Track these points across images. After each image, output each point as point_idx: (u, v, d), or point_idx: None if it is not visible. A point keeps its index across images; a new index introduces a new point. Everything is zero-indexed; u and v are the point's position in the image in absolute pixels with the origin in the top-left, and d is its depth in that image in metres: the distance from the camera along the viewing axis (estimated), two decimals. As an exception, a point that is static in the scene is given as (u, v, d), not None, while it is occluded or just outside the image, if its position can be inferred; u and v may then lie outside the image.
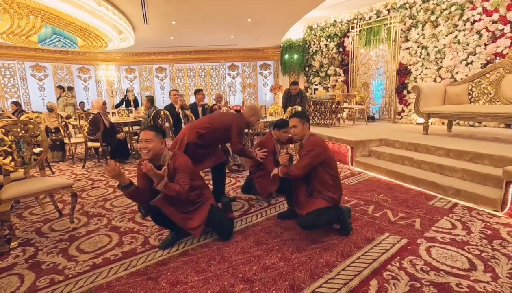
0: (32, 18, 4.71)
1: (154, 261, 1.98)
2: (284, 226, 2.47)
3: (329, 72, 8.71)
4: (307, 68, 9.61)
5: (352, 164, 4.50)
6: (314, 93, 8.14)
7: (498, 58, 5.30)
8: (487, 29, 5.42)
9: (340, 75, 8.44)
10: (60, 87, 8.57)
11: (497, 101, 4.31)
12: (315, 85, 9.12)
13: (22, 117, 4.75)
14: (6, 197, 2.13)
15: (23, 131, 2.55)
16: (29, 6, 3.93)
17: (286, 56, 9.60)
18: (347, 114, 7.49)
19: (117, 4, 5.21)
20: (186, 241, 2.24)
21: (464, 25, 5.71)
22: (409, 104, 6.80)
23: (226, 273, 1.81)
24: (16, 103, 6.79)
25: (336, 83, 8.46)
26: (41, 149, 2.72)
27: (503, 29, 5.21)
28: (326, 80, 8.88)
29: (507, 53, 4.98)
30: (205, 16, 6.41)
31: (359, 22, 7.61)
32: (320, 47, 8.89)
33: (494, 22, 5.31)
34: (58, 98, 8.69)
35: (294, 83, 5.92)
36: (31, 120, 4.67)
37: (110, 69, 10.71)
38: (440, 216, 2.57)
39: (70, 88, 9.01)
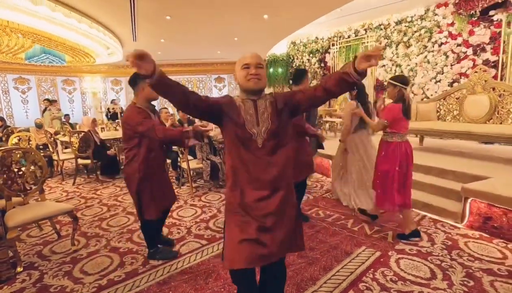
0: (22, 38, 4.78)
1: (155, 281, 2.18)
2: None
3: (311, 85, 9.13)
4: (291, 81, 9.99)
5: (334, 178, 4.83)
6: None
7: (462, 77, 5.85)
8: (452, 51, 5.97)
9: (322, 88, 8.87)
10: (47, 100, 8.50)
11: (461, 119, 4.79)
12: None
13: (12, 137, 4.80)
14: (13, 225, 2.27)
15: (23, 158, 2.70)
16: (22, 31, 4.03)
17: (271, 70, 9.98)
18: (329, 126, 7.89)
19: (107, 24, 5.36)
20: (184, 260, 2.45)
21: (433, 46, 6.26)
22: (386, 117, 7.28)
23: (223, 290, 2.04)
24: (1, 119, 6.73)
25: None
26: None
27: (466, 51, 5.78)
28: (309, 93, 9.29)
29: (470, 74, 5.52)
30: (193, 36, 6.66)
31: (339, 40, 8.09)
32: (303, 61, 9.31)
33: (459, 45, 5.88)
34: (43, 111, 8.60)
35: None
36: (29, 141, 4.74)
37: (96, 81, 10.71)
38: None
39: (54, 101, 8.93)
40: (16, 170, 2.67)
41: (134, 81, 2.21)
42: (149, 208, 2.27)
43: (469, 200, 2.88)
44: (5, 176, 2.56)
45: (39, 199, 2.87)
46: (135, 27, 5.44)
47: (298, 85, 2.89)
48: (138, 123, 2.11)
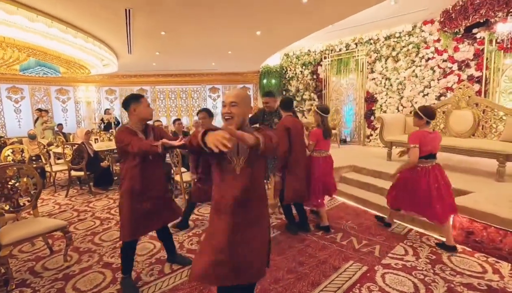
0: (17, 52, 4.83)
1: (148, 297, 2.22)
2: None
3: (304, 97, 9.31)
4: (284, 92, 10.17)
5: (325, 190, 4.93)
6: (291, 117, 8.64)
7: (449, 91, 6.07)
8: (439, 66, 6.19)
9: (314, 100, 9.05)
10: (38, 110, 8.47)
11: (447, 133, 4.96)
12: (292, 108, 9.67)
13: (5, 150, 4.80)
14: (6, 242, 2.30)
15: (17, 174, 2.73)
16: (19, 46, 4.09)
17: (265, 81, 10.14)
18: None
19: (103, 39, 5.45)
20: (175, 276, 2.49)
21: (420, 61, 6.48)
22: (376, 129, 7.44)
23: (213, 306, 2.10)
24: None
25: (311, 107, 9.04)
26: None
27: (452, 67, 6.00)
28: (302, 104, 9.45)
29: (455, 89, 5.72)
30: (188, 49, 6.79)
31: (331, 53, 8.30)
32: (296, 73, 9.50)
33: (444, 60, 6.10)
34: (35, 121, 8.56)
35: (269, 94, 3.78)
36: (22, 153, 4.75)
37: (90, 91, 10.71)
38: (396, 243, 3.00)
39: (44, 111, 8.88)
40: (9, 186, 2.70)
41: (126, 104, 2.26)
42: (123, 227, 2.24)
43: (452, 215, 2.99)
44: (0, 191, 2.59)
45: (32, 213, 2.90)
46: (130, 42, 5.54)
47: (286, 111, 3.28)
48: (121, 142, 2.17)
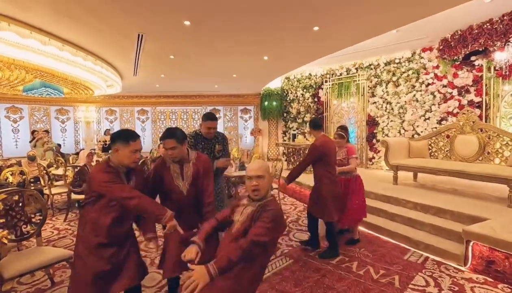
0: (24, 73, 4.81)
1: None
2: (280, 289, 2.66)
3: (305, 119, 9.39)
4: (285, 114, 10.28)
5: (333, 214, 4.85)
6: (293, 139, 8.65)
7: (450, 116, 6.18)
8: (439, 91, 6.34)
9: (316, 122, 9.12)
10: (35, 131, 8.36)
11: (452, 157, 4.98)
12: (293, 130, 9.73)
13: (4, 172, 4.65)
14: (9, 276, 2.15)
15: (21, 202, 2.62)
16: (27, 67, 4.08)
17: (266, 103, 10.25)
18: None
19: (110, 61, 5.51)
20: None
21: (421, 86, 6.64)
22: (379, 152, 7.48)
23: None
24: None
25: (312, 129, 9.09)
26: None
27: (452, 92, 6.15)
28: (303, 126, 9.52)
29: (458, 113, 5.82)
30: (193, 72, 6.90)
31: (332, 77, 8.49)
32: (297, 96, 9.65)
33: (444, 86, 6.26)
34: (30, 141, 8.37)
35: (210, 117, 2.94)
36: (22, 175, 4.61)
37: (90, 111, 10.70)
38: (415, 272, 2.90)
39: (46, 132, 8.80)
40: (13, 213, 2.58)
41: (112, 140, 1.87)
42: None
43: (471, 243, 2.93)
44: (4, 220, 2.46)
45: (35, 241, 2.75)
46: (137, 64, 5.59)
47: (315, 130, 3.48)
48: (102, 185, 1.78)
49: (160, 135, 11.01)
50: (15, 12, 3.43)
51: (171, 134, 2.05)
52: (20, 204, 2.63)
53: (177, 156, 2.09)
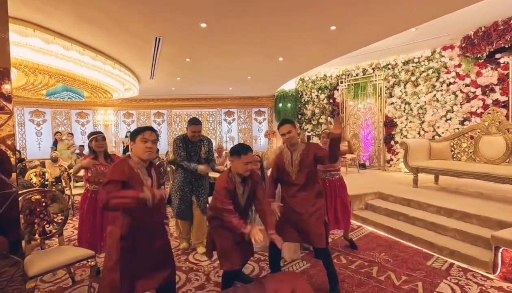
0: (47, 77, 4.99)
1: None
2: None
3: (320, 120, 9.28)
4: (300, 116, 10.19)
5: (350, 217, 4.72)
6: (308, 141, 8.57)
7: (473, 116, 5.92)
8: (461, 91, 6.10)
9: (331, 124, 8.99)
10: (59, 133, 8.68)
11: (477, 159, 4.76)
12: (308, 132, 9.63)
13: (28, 173, 4.84)
14: (32, 274, 2.21)
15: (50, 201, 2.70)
16: (51, 72, 4.24)
17: (280, 105, 10.21)
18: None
19: (128, 65, 5.64)
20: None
21: (441, 86, 6.41)
22: (397, 153, 7.27)
23: None
24: (17, 151, 6.84)
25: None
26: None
27: (475, 91, 5.90)
28: (318, 128, 9.41)
29: (482, 113, 5.58)
30: (209, 75, 6.96)
31: (347, 77, 8.34)
32: (311, 97, 9.55)
33: (467, 85, 6.01)
34: (54, 143, 8.71)
35: (194, 122, 3.22)
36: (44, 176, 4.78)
37: (108, 114, 11.00)
38: (440, 279, 2.77)
39: (71, 134, 9.14)
40: (38, 212, 2.66)
41: (130, 137, 1.99)
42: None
43: (500, 250, 2.77)
44: (29, 217, 2.54)
45: (57, 241, 2.82)
46: (154, 68, 5.70)
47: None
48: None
49: (175, 137, 11.18)
50: (41, 19, 3.58)
51: (287, 120, 2.57)
52: (44, 204, 2.71)
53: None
